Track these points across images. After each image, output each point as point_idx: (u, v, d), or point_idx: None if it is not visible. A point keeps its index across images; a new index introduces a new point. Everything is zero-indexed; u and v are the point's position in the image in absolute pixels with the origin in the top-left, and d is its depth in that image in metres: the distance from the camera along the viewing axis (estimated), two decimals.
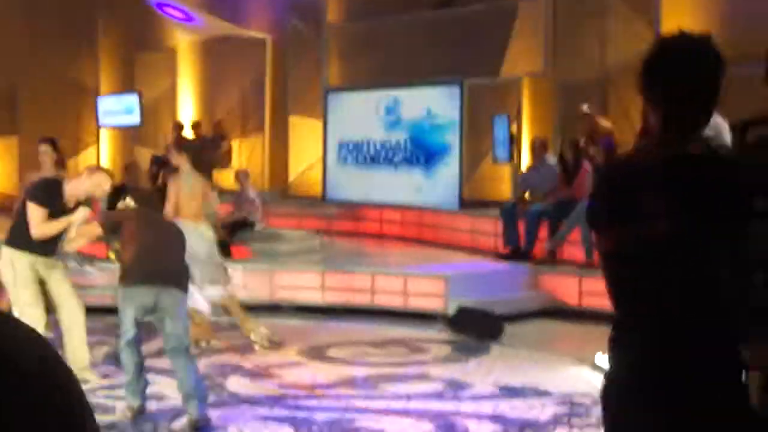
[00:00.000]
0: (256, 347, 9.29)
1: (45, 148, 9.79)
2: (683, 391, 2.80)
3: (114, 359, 8.15)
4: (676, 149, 2.88)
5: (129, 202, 7.59)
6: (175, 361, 6.72)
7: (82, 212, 7.72)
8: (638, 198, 2.84)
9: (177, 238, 7.00)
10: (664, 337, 2.83)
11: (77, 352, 8.05)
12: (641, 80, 2.94)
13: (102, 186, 7.83)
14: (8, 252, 7.78)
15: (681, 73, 2.89)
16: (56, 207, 7.64)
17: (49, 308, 8.00)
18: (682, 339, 2.81)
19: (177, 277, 6.81)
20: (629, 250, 2.89)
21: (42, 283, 7.87)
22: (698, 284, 2.84)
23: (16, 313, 7.73)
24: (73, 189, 7.71)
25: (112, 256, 7.96)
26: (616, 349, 2.94)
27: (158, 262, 6.77)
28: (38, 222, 7.60)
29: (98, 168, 8.20)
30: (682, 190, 2.82)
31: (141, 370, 6.96)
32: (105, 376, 8.15)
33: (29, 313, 7.70)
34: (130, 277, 6.78)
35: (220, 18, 19.02)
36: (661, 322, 2.84)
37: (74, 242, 7.94)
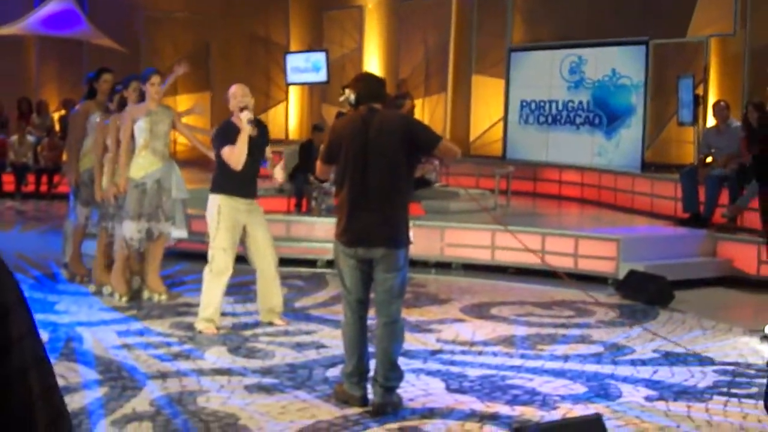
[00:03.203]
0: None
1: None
2: None
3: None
4: None
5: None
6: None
7: (245, 116, 7.98)
8: None
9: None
10: None
11: (271, 297, 8.41)
12: None
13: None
14: (213, 198, 8.18)
15: None
16: (234, 139, 8.03)
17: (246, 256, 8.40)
18: None
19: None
20: None
21: (243, 232, 8.22)
22: None
23: (209, 255, 8.10)
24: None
25: None
26: None
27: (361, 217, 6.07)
28: (228, 156, 8.00)
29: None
30: None
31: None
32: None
33: (219, 258, 8.07)
34: (341, 234, 6.16)
35: None
36: None
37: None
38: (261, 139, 8.23)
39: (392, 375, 6.15)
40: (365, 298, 6.19)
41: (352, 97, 6.20)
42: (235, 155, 7.97)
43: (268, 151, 8.46)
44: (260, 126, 8.33)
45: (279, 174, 8.62)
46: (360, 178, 6.00)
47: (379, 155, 5.98)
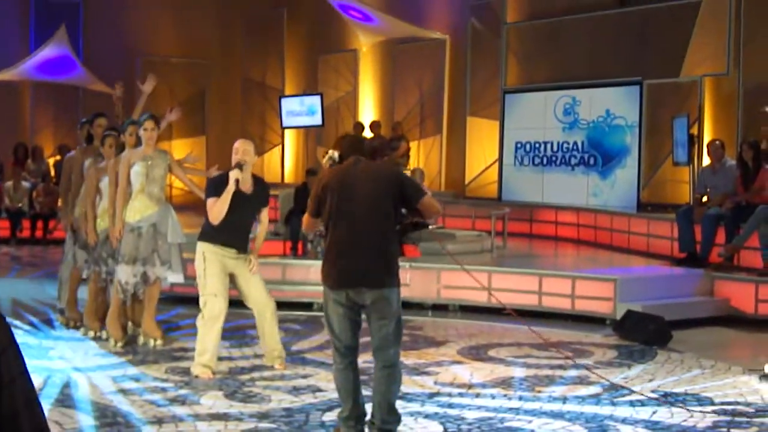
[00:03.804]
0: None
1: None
2: None
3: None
4: None
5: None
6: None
7: (233, 174, 7.95)
8: None
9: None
10: None
11: (269, 341, 8.38)
12: None
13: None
14: (199, 246, 8.17)
15: None
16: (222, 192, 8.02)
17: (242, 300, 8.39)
18: None
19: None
20: None
21: (231, 277, 8.22)
22: None
23: (201, 303, 8.07)
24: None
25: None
26: None
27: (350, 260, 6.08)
28: (209, 208, 8.02)
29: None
30: None
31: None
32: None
33: (211, 304, 8.04)
34: (328, 276, 6.23)
35: (401, 19, 19.20)
36: None
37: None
38: (256, 198, 8.20)
39: (390, 418, 6.09)
40: (355, 345, 6.12)
41: (336, 154, 6.19)
42: (215, 209, 7.96)
43: (264, 214, 8.39)
44: (258, 185, 8.27)
45: (254, 261, 8.41)
46: (347, 224, 5.98)
47: (367, 202, 5.94)
